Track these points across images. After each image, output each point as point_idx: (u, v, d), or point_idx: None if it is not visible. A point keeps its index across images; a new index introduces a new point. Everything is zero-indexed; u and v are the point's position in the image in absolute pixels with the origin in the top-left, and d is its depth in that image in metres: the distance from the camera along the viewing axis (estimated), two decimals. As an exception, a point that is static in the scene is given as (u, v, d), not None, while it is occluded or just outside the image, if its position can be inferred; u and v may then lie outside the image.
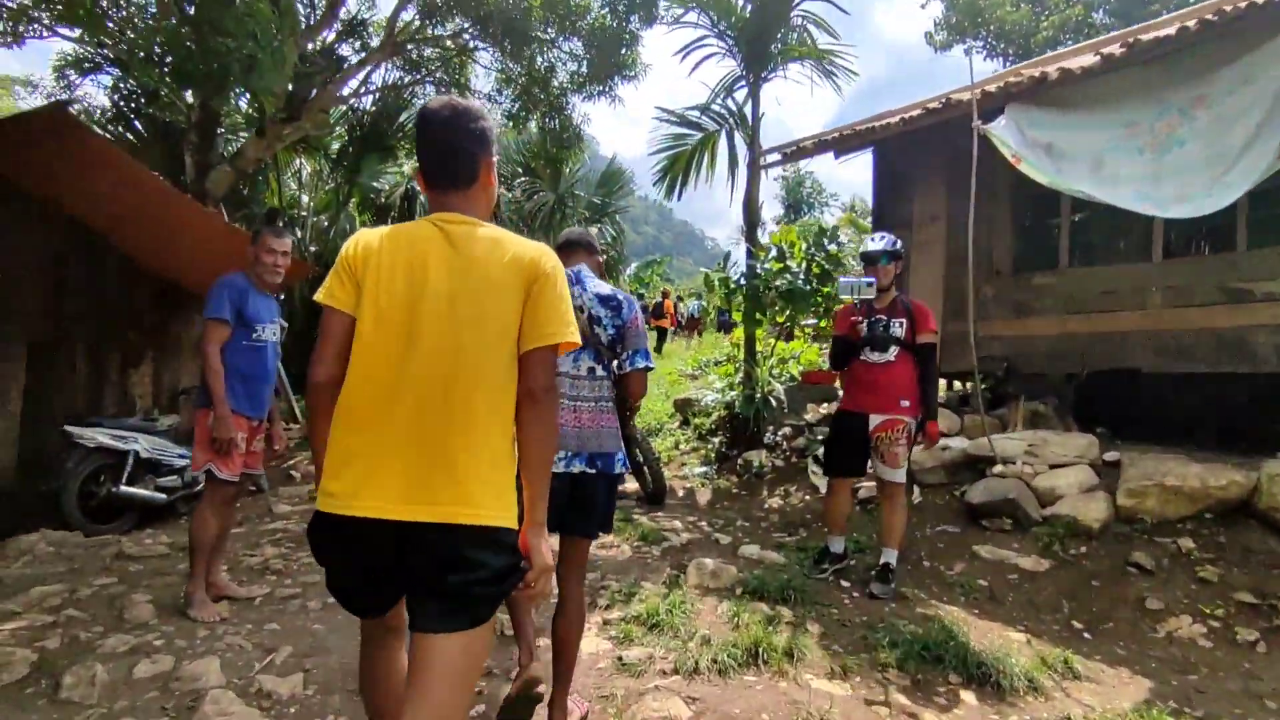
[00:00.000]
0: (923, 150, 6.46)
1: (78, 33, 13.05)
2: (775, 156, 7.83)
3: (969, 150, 4.60)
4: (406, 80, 15.09)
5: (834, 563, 4.22)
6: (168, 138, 12.33)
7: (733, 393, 7.43)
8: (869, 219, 26.29)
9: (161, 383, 6.72)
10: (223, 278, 3.76)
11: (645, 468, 6.37)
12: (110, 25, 7.66)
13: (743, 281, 7.53)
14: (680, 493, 6.77)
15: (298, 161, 15.83)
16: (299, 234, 14.66)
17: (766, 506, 5.93)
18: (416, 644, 1.54)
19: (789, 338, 8.36)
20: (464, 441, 1.56)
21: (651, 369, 2.69)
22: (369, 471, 1.54)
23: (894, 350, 3.92)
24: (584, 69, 12.13)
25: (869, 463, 4.08)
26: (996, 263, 6.15)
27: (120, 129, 13.72)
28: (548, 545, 1.68)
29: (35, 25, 9.95)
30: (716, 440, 7.74)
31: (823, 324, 7.41)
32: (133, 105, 13.47)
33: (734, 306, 7.44)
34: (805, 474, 6.18)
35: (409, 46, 14.27)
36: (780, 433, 6.87)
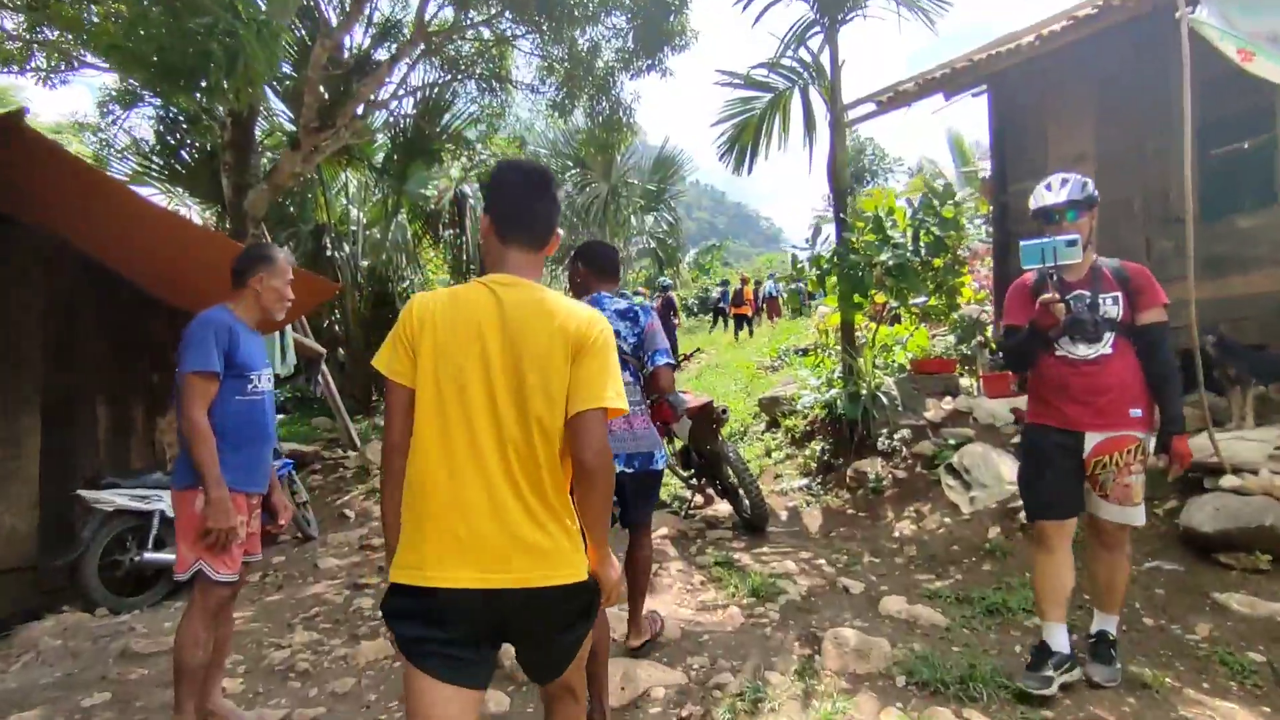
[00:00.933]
0: (1060, 79, 5.17)
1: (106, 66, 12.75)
2: (865, 108, 6.62)
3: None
4: (445, 79, 14.35)
5: (1061, 667, 2.72)
6: (212, 163, 11.81)
7: (832, 390, 6.28)
8: (940, 181, 24.48)
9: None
10: (202, 315, 2.82)
11: (740, 489, 5.33)
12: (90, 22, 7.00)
13: (835, 259, 6.36)
14: (783, 515, 5.68)
15: (344, 176, 15.26)
16: (348, 249, 14.08)
17: (896, 534, 4.79)
18: (550, 694, 1.79)
19: (894, 320, 7.16)
20: (535, 505, 1.60)
21: (672, 365, 3.01)
22: (448, 543, 1.56)
23: (1109, 339, 2.72)
24: (630, 43, 11.07)
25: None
26: (1174, 208, 4.82)
27: (167, 159, 13.43)
28: (615, 568, 1.77)
29: (61, 58, 9.55)
30: (815, 446, 6.61)
31: (933, 302, 6.19)
32: (176, 134, 13.14)
33: (829, 289, 6.29)
34: (938, 488, 5.01)
35: (445, 43, 13.52)
36: (896, 436, 5.70)
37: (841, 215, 6.87)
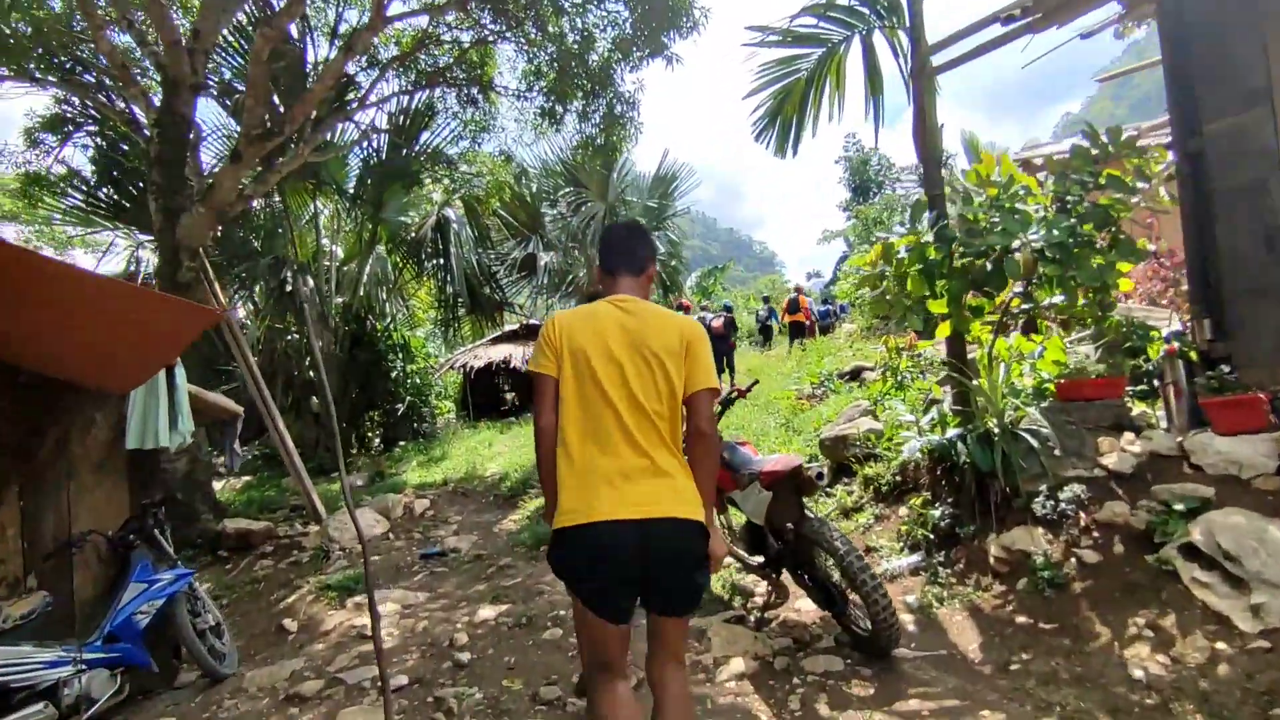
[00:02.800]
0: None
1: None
2: (960, 48, 4.88)
3: None
4: (420, 91, 12.74)
5: None
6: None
7: (950, 431, 4.45)
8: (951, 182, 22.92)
9: (40, 532, 4.14)
10: None
11: (851, 590, 3.50)
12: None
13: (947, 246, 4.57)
14: (907, 621, 3.81)
15: (314, 206, 13.54)
16: (311, 284, 12.28)
17: (1132, 670, 2.92)
18: (660, 625, 2.12)
19: (1028, 328, 5.36)
20: (672, 465, 2.10)
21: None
22: (607, 491, 2.02)
23: None
24: (628, 29, 9.46)
25: None
26: None
27: (110, 191, 11.73)
28: (720, 537, 2.20)
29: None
30: (918, 506, 4.77)
31: (1078, 303, 4.36)
32: (117, 164, 11.48)
33: (939, 289, 4.49)
34: (1174, 584, 3.15)
35: (417, 50, 11.92)
36: (1063, 495, 3.88)
37: (931, 192, 5.13)
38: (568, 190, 16.41)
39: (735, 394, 4.72)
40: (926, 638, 3.60)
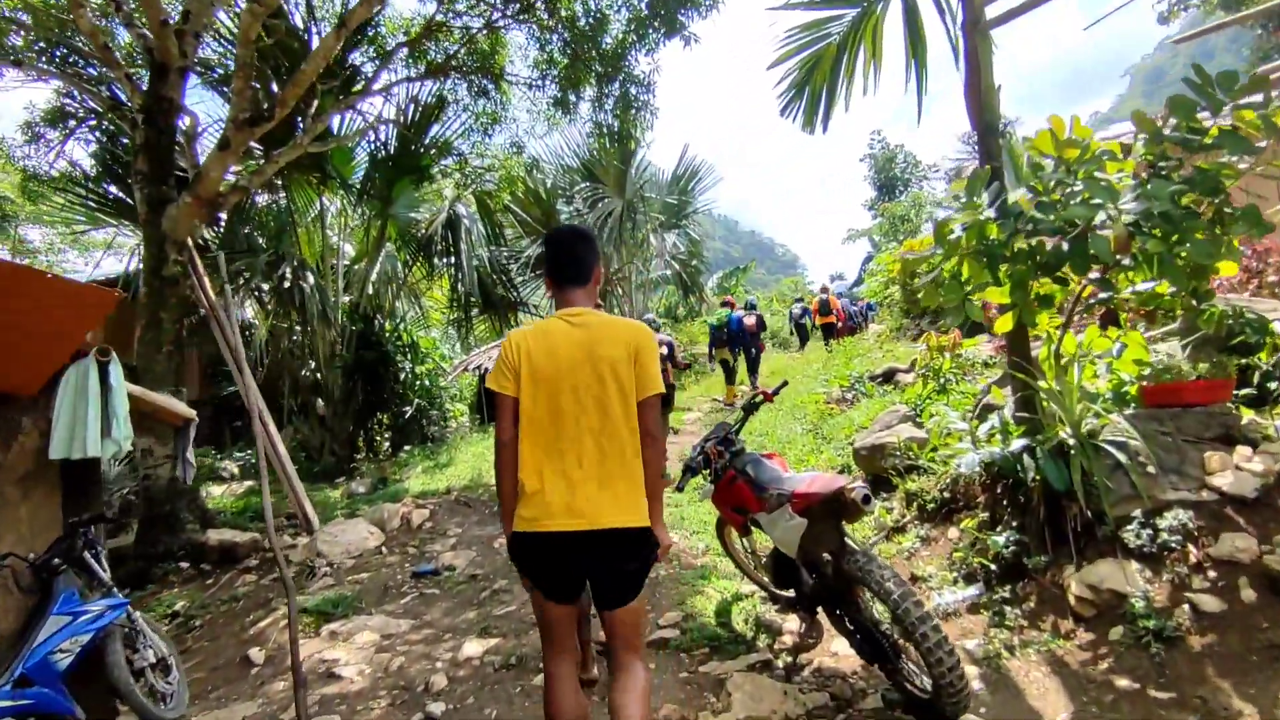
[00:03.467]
0: None
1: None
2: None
3: None
4: (429, 83, 12.21)
5: None
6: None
7: (1017, 442, 3.74)
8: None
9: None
10: None
11: (904, 638, 2.82)
12: None
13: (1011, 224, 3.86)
14: (971, 674, 3.11)
15: (320, 202, 13.06)
16: (312, 279, 11.75)
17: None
18: (608, 618, 2.32)
19: (1106, 321, 4.62)
20: (619, 472, 2.24)
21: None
22: (551, 501, 2.19)
23: None
24: (644, 8, 8.82)
25: None
26: None
27: (113, 187, 11.32)
28: (666, 531, 2.38)
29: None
30: (971, 528, 4.06)
31: (1162, 289, 3.63)
32: (123, 158, 11.07)
33: (1002, 274, 3.78)
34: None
35: (426, 39, 11.40)
36: (1163, 523, 3.16)
37: (988, 162, 4.42)
38: (583, 186, 15.82)
39: (760, 397, 4.06)
40: (1000, 700, 2.89)
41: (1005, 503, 3.91)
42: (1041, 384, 3.96)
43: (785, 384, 4.31)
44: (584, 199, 15.91)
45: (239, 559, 6.89)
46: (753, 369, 12.11)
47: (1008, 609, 3.50)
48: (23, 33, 9.75)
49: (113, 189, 11.03)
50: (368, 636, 4.51)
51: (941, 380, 6.03)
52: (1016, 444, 3.73)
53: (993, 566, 3.75)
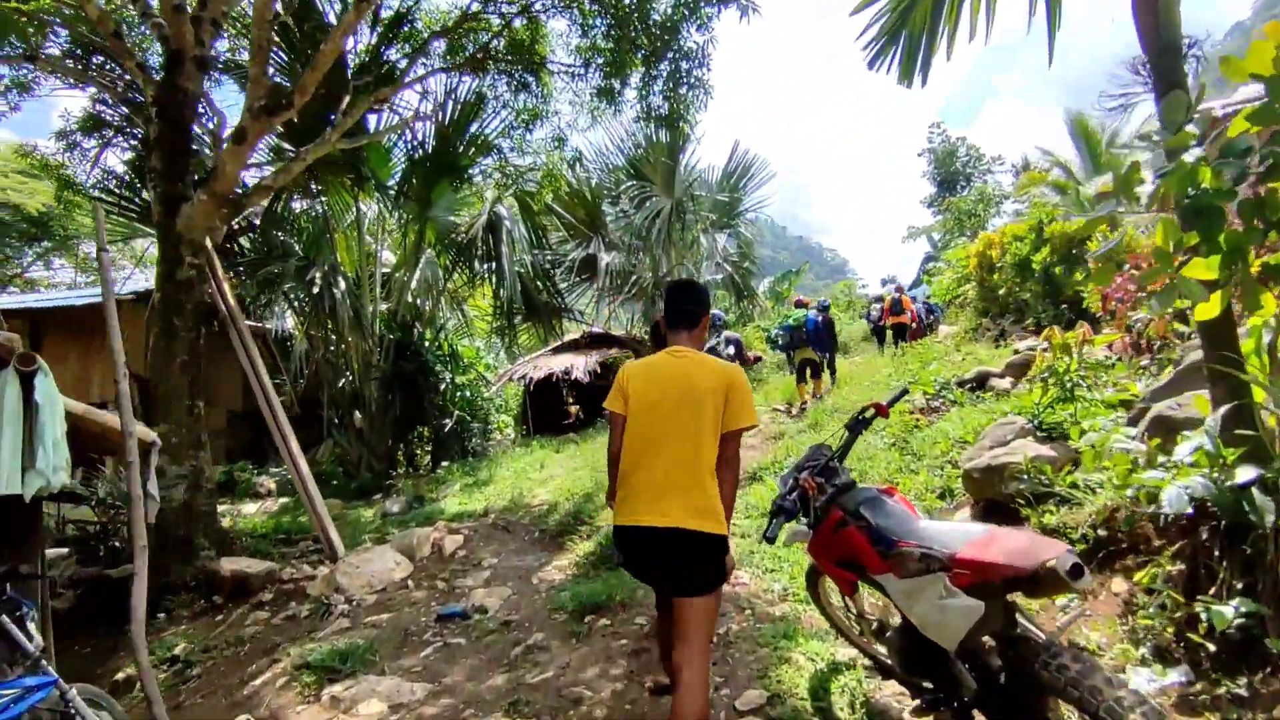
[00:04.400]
0: None
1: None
2: None
3: None
4: (468, 80, 11.55)
5: None
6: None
7: (1245, 473, 2.67)
8: (1057, 171, 20.24)
9: None
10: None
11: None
12: None
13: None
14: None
15: (359, 207, 12.48)
16: (344, 286, 11.11)
17: None
18: (676, 607, 2.58)
19: None
20: (697, 485, 2.55)
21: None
22: (641, 502, 2.57)
23: None
24: (694, -24, 7.93)
25: None
26: None
27: (141, 195, 10.93)
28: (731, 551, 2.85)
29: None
30: (1162, 586, 2.99)
31: None
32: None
33: (1187, 239, 2.72)
34: None
35: (463, 34, 10.74)
36: None
37: (1177, 92, 3.33)
38: (630, 185, 14.97)
39: (871, 411, 3.07)
40: None
41: (1218, 554, 2.84)
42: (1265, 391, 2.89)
43: (906, 391, 3.28)
44: (631, 199, 15.06)
45: (252, 591, 6.16)
46: (826, 370, 11.48)
47: (1244, 715, 2.43)
48: (56, 37, 9.42)
49: (147, 196, 10.63)
50: (374, 707, 3.66)
51: (1068, 385, 4.92)
52: (1242, 475, 2.66)
53: (1209, 645, 2.68)
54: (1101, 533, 3.62)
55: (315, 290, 10.44)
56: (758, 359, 15.30)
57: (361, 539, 7.37)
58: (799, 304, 12.07)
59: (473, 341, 17.14)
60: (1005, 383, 7.43)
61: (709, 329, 4.25)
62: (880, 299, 15.67)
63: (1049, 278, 9.24)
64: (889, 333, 14.27)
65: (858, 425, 3.03)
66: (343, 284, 10.76)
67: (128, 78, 9.70)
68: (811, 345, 10.85)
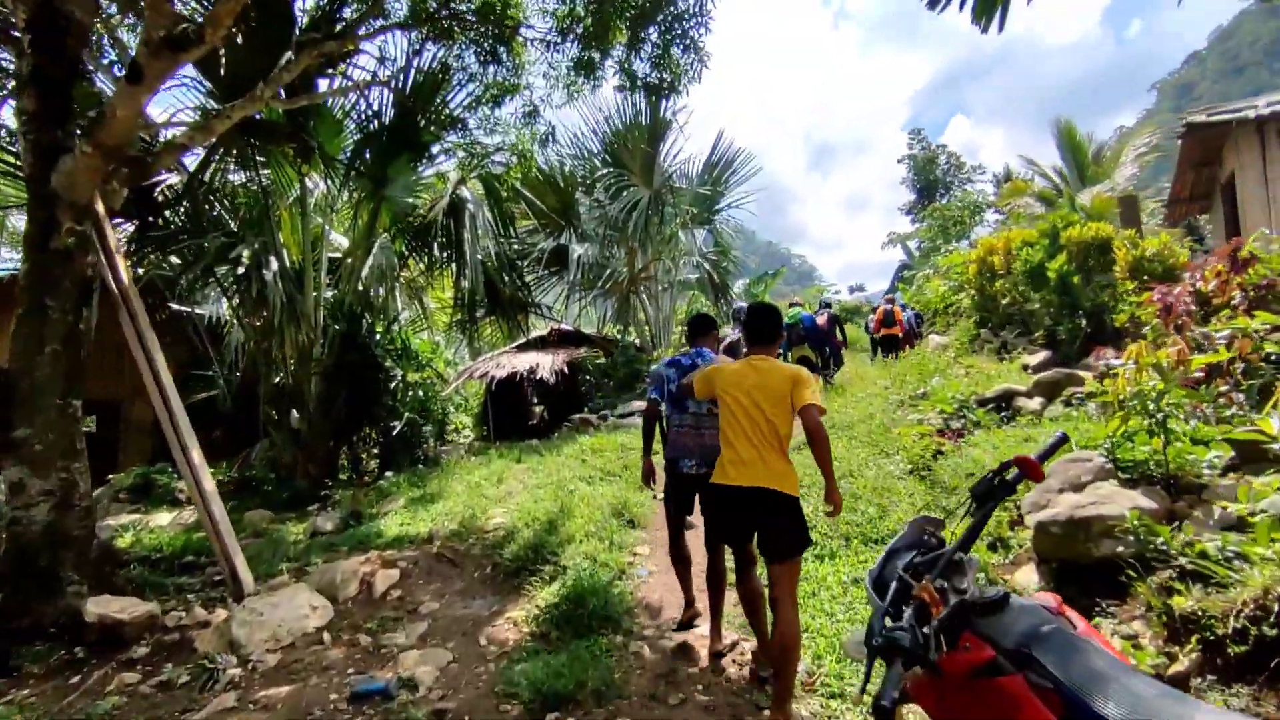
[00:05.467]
0: None
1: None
2: None
3: None
4: (436, 51, 10.29)
5: None
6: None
7: None
8: (1038, 180, 19.59)
9: None
10: None
11: None
12: None
13: None
14: None
15: (304, 182, 11.08)
16: (275, 266, 9.73)
17: None
18: (770, 571, 3.30)
19: None
20: (772, 455, 3.33)
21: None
22: (736, 466, 3.34)
23: None
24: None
25: None
26: None
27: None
28: (837, 494, 3.34)
29: None
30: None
31: None
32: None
33: None
34: None
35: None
36: None
37: None
38: (606, 172, 13.80)
39: (1016, 472, 1.93)
40: None
41: None
42: None
43: (1063, 440, 2.11)
44: (606, 188, 13.89)
45: (125, 643, 4.85)
46: (832, 364, 11.70)
47: None
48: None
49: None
50: None
51: (1157, 415, 3.90)
52: None
53: None
54: (1268, 631, 2.58)
55: (241, 271, 9.04)
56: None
57: (278, 568, 6.09)
58: (794, 304, 11.65)
59: (432, 336, 15.81)
60: (1034, 403, 6.46)
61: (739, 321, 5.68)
62: (876, 307, 14.76)
63: (1065, 287, 8.31)
64: (880, 344, 13.38)
65: (993, 492, 1.91)
66: (275, 265, 9.38)
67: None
68: (809, 343, 10.68)
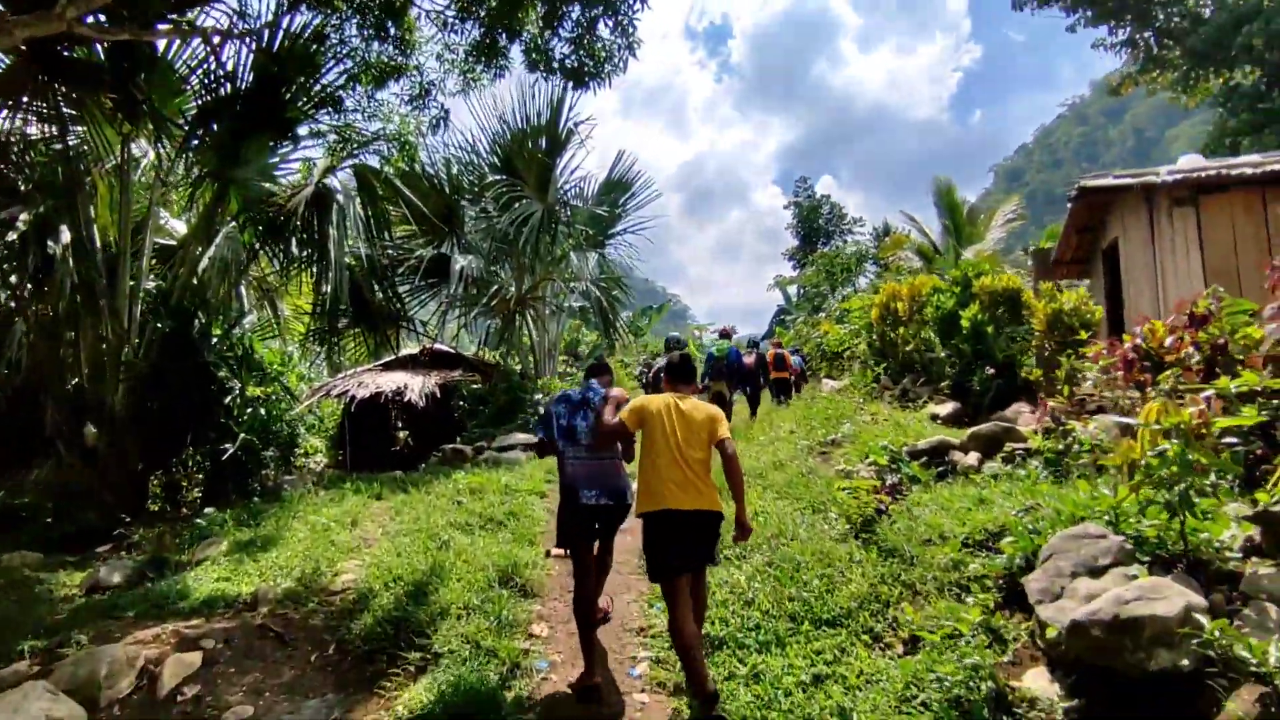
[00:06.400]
0: None
1: None
2: None
3: None
4: (312, 18, 8.81)
5: None
6: None
7: None
8: (914, 235, 20.35)
9: None
10: None
11: None
12: None
13: None
14: None
15: (129, 147, 9.10)
16: (65, 238, 7.74)
17: None
18: (697, 577, 3.77)
19: None
20: (698, 479, 3.62)
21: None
22: (667, 490, 3.59)
23: None
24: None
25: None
26: None
27: None
28: (748, 519, 3.72)
29: None
30: None
31: None
32: None
33: None
34: None
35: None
36: None
37: None
38: (498, 180, 12.57)
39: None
40: None
41: None
42: None
43: None
44: (497, 197, 12.64)
45: None
46: (753, 408, 11.71)
47: None
48: None
49: None
50: None
51: (1181, 486, 3.27)
52: None
53: None
54: None
55: (13, 238, 7.02)
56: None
57: (19, 648, 4.32)
58: (723, 334, 11.30)
59: (286, 346, 13.70)
60: (970, 458, 5.91)
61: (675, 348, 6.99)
62: (778, 344, 14.30)
63: (979, 337, 8.03)
64: (772, 387, 12.86)
65: None
66: (68, 237, 7.41)
67: None
68: (730, 379, 10.40)
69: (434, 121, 8.75)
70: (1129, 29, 17.93)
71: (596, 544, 4.17)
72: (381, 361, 14.98)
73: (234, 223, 10.21)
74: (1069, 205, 10.64)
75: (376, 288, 11.88)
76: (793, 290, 26.28)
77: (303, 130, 9.79)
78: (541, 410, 4.77)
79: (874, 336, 10.95)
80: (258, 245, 10.23)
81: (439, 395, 13.26)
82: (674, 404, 3.77)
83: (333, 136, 10.17)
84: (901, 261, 17.88)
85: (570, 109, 12.07)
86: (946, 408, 8.31)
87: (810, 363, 16.33)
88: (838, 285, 19.09)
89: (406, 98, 9.28)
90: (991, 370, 8.09)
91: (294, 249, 10.56)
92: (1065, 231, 11.14)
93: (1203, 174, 7.60)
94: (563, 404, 4.18)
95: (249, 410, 9.50)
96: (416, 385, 13.12)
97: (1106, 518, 3.58)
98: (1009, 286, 8.24)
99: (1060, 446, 5.18)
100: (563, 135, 12.09)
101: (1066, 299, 7.08)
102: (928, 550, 4.38)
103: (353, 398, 13.21)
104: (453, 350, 14.62)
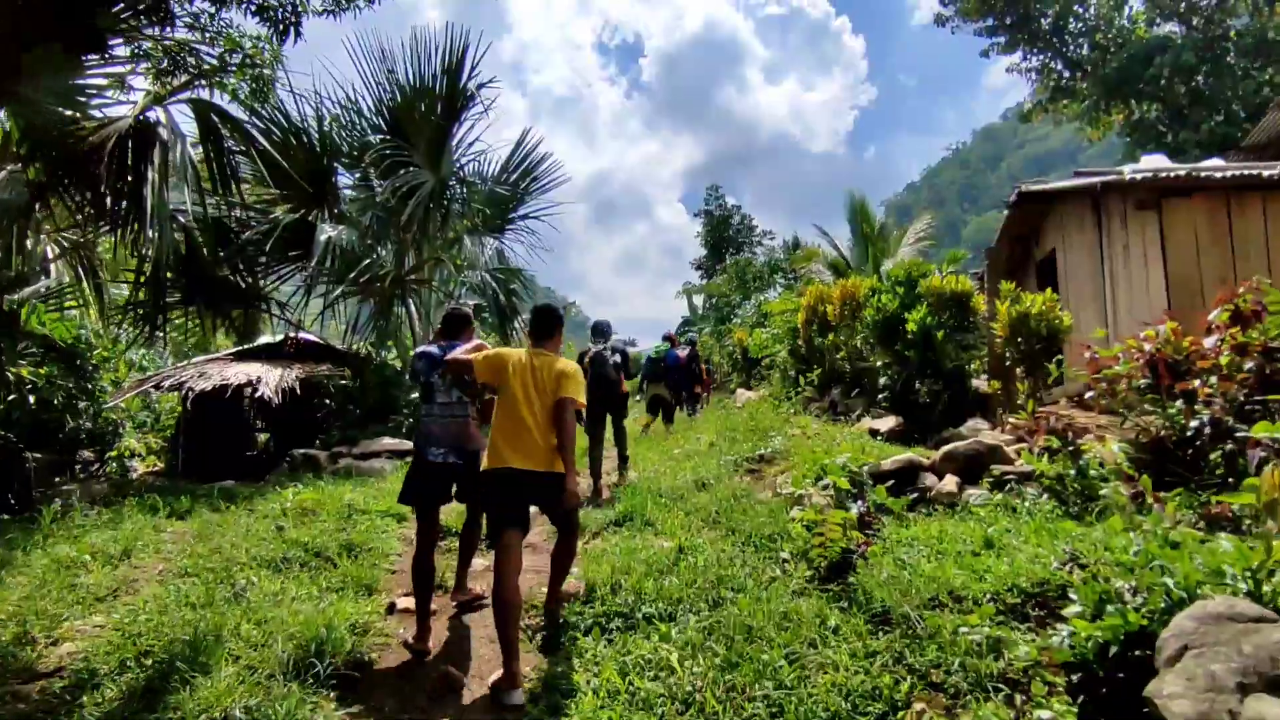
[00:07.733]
0: None
1: None
2: None
3: None
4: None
5: None
6: None
7: None
8: (825, 248, 19.81)
9: None
10: None
11: None
12: None
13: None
14: None
15: None
16: None
17: None
18: (562, 542, 3.90)
19: None
20: (541, 438, 3.58)
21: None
22: (511, 448, 3.55)
23: None
24: None
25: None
26: None
27: None
28: (575, 482, 3.64)
29: None
30: None
31: None
32: None
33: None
34: None
35: None
36: None
37: None
38: (381, 141, 10.62)
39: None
40: None
41: None
42: None
43: None
44: (378, 164, 10.69)
45: None
46: (692, 407, 11.46)
47: None
48: None
49: None
50: None
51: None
52: None
53: None
54: None
55: None
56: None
57: None
58: (666, 338, 10.71)
59: (110, 325, 11.06)
60: (947, 484, 4.68)
61: (601, 334, 7.14)
62: (693, 344, 12.91)
63: (928, 343, 6.95)
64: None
65: None
66: None
67: None
68: (666, 381, 10.09)
69: (282, 28, 6.79)
70: (1040, 57, 18.18)
71: (467, 515, 4.23)
72: (231, 350, 12.60)
73: (18, 158, 7.84)
74: (1005, 211, 9.94)
75: (221, 256, 9.71)
76: (699, 300, 25.35)
77: (118, 45, 7.61)
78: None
79: (799, 342, 9.81)
80: (50, 186, 7.87)
81: (299, 392, 11.08)
82: (528, 359, 3.73)
83: (165, 60, 8.00)
84: (814, 274, 17.20)
85: (474, 68, 10.34)
86: (887, 422, 7.18)
87: (717, 371, 15.21)
88: (750, 294, 18.24)
89: (262, 22, 7.28)
90: (938, 382, 7.03)
91: (106, 199, 8.26)
92: (999, 240, 10.45)
93: (1170, 174, 6.88)
94: (423, 360, 4.08)
95: (15, 396, 7.15)
96: (273, 379, 10.88)
97: (1246, 581, 2.32)
98: (959, 289, 7.24)
99: (1071, 470, 4.01)
100: (462, 98, 10.35)
101: (1033, 301, 6.08)
102: (937, 616, 3.02)
103: (190, 391, 10.81)
104: (322, 341, 12.43)
